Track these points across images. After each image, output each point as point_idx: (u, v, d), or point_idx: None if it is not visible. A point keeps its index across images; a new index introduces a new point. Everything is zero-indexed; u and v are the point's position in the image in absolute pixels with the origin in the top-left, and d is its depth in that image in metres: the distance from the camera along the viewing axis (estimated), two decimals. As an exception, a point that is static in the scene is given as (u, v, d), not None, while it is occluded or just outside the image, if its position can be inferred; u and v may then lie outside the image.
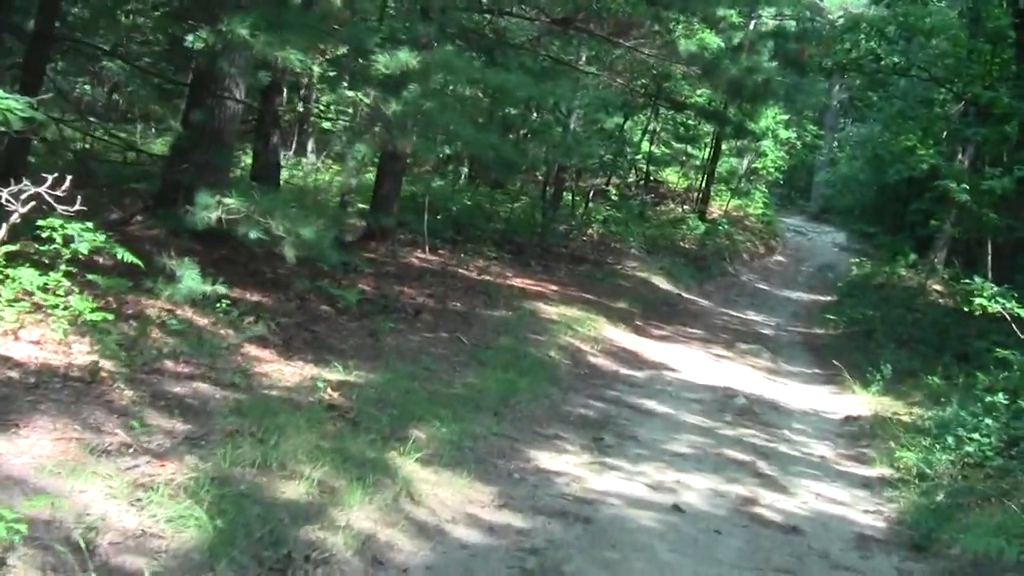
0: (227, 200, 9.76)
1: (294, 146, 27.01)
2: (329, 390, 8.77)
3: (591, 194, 28.51)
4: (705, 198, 32.28)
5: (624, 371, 13.51)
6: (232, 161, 13.63)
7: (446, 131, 11.92)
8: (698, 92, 25.63)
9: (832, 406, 13.49)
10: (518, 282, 18.14)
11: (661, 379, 13.44)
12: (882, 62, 24.63)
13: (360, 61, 11.16)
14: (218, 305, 10.08)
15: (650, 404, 11.79)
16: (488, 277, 17.67)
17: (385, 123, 11.06)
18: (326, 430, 7.80)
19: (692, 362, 15.12)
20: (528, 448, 9.09)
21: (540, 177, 27.14)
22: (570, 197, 27.98)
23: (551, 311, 15.63)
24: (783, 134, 34.41)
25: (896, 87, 27.47)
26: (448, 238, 21.02)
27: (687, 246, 28.25)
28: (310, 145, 28.16)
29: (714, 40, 17.36)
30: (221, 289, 9.90)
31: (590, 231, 26.40)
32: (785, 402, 13.28)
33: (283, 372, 9.34)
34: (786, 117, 34.97)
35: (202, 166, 12.59)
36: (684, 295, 22.66)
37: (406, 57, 10.47)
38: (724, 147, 32.66)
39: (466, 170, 27.50)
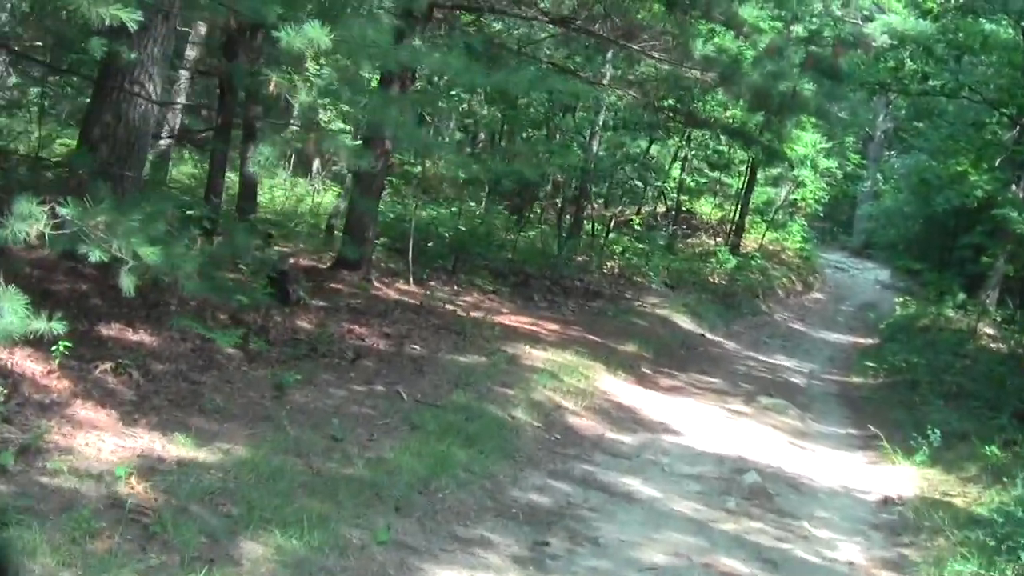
0: (62, 210, 7.04)
1: (290, 165, 24.41)
2: (132, 480, 5.97)
3: (612, 223, 25.64)
4: (739, 230, 29.30)
5: (610, 435, 10.63)
6: (143, 170, 10.90)
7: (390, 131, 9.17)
8: (727, 113, 22.72)
9: (867, 482, 10.58)
10: (511, 320, 15.35)
11: (656, 446, 10.55)
12: (929, 82, 21.74)
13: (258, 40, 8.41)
14: (53, 349, 7.38)
15: (632, 484, 8.92)
16: (476, 313, 14.88)
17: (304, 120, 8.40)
18: (98, 548, 5.04)
19: (701, 421, 12.22)
20: (429, 565, 6.25)
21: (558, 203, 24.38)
22: (590, 226, 25.20)
23: (537, 356, 12.81)
24: (823, 163, 31.31)
25: (944, 110, 24.56)
26: (443, 268, 18.32)
27: (716, 281, 25.25)
28: (314, 166, 25.59)
29: (734, 43, 14.48)
30: (58, 327, 7.14)
31: (610, 263, 23.55)
32: (809, 477, 10.36)
33: (100, 446, 6.60)
34: (826, 145, 31.98)
35: (103, 175, 9.95)
36: (707, 336, 19.69)
37: (316, 33, 7.72)
38: (759, 176, 29.68)
39: (484, 195, 24.73)
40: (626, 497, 8.50)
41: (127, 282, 6.86)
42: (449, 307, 14.61)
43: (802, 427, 13.13)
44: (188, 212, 9.42)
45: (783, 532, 8.32)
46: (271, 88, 8.27)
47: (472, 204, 23.97)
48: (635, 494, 8.64)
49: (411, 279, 16.11)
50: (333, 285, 14.27)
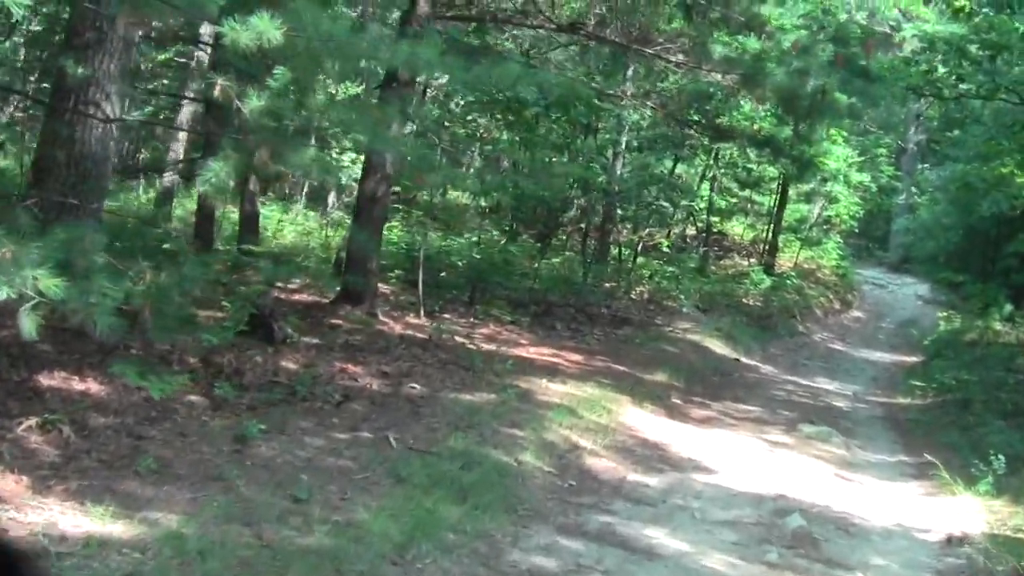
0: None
1: (303, 196, 23.21)
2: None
3: (640, 247, 24.22)
4: (772, 249, 27.81)
5: (633, 477, 9.22)
6: (102, 198, 9.64)
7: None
8: (755, 126, 21.25)
9: (926, 518, 9.13)
10: (529, 351, 14.02)
11: (685, 488, 9.13)
12: (963, 85, 20.25)
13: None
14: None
15: (655, 537, 7.51)
16: (490, 346, 13.57)
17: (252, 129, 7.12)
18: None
19: (737, 456, 10.79)
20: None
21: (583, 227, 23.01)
22: (617, 251, 23.80)
23: (555, 390, 11.45)
24: (855, 177, 29.77)
25: (980, 115, 23.06)
26: (460, 299, 17.01)
27: (750, 303, 23.74)
28: (331, 199, 24.41)
29: (755, 44, 13.12)
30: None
31: (639, 288, 22.13)
32: (860, 516, 8.91)
33: (-10, 527, 5.29)
34: (860, 159, 30.48)
35: (53, 203, 8.77)
36: (742, 360, 18.22)
37: (264, 26, 6.46)
38: (791, 192, 28.21)
39: (508, 223, 23.42)
40: (648, 553, 7.10)
41: (28, 323, 5.58)
42: (460, 340, 13.28)
43: (848, 456, 11.68)
44: (131, 243, 8.12)
45: (834, 588, 6.93)
46: (216, 92, 6.99)
47: (495, 233, 22.72)
48: (659, 549, 7.23)
49: (422, 312, 14.79)
50: (333, 321, 12.99)
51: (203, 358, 9.08)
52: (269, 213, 21.49)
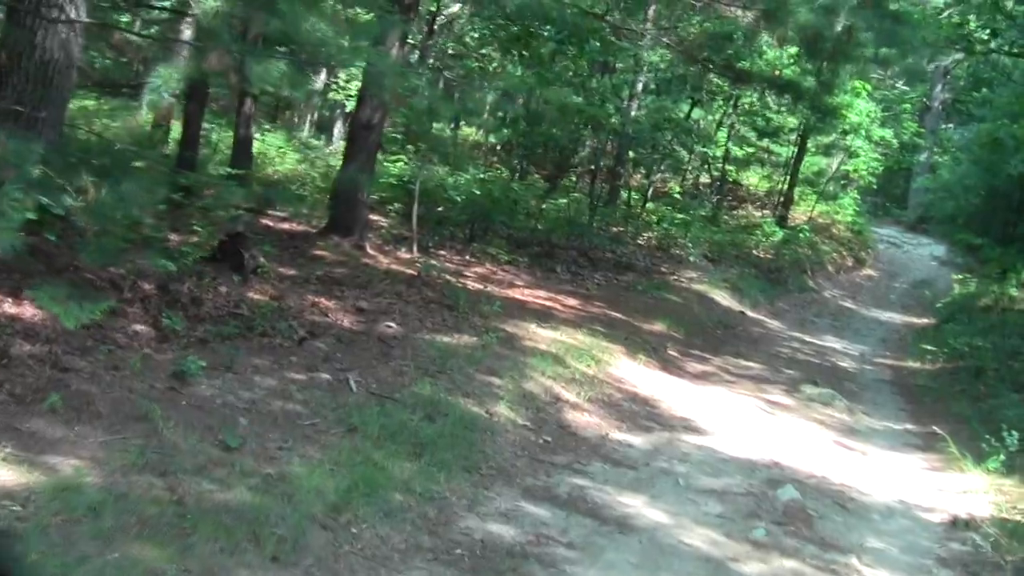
0: None
1: (309, 125, 22.32)
2: None
3: (651, 192, 23.30)
4: (787, 202, 26.83)
5: (616, 435, 8.45)
6: (64, 109, 8.80)
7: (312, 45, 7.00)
8: (776, 73, 20.19)
9: (930, 495, 8.35)
10: (524, 293, 13.23)
11: (672, 450, 8.36)
12: (996, 40, 19.25)
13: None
14: None
15: (632, 505, 6.74)
16: (481, 286, 12.79)
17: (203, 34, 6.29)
18: None
19: (732, 416, 10.02)
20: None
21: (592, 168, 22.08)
22: (627, 195, 22.89)
23: (543, 336, 10.66)
24: (877, 133, 28.69)
25: (1011, 72, 22.05)
26: (457, 236, 16.20)
27: (761, 255, 22.83)
28: (336, 129, 23.50)
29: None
30: None
31: (647, 234, 21.24)
32: (859, 490, 8.13)
33: None
34: (882, 113, 29.39)
35: (8, 112, 7.96)
36: (748, 314, 17.40)
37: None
38: (810, 144, 27.18)
39: (518, 162, 22.52)
40: (621, 524, 6.33)
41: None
42: (450, 278, 12.48)
43: (851, 422, 10.88)
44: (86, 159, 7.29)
45: (825, 572, 6.15)
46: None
47: (504, 171, 21.87)
48: (634, 519, 6.46)
49: (415, 247, 13.99)
50: (316, 252, 12.21)
51: (160, 285, 8.29)
52: (273, 140, 20.69)
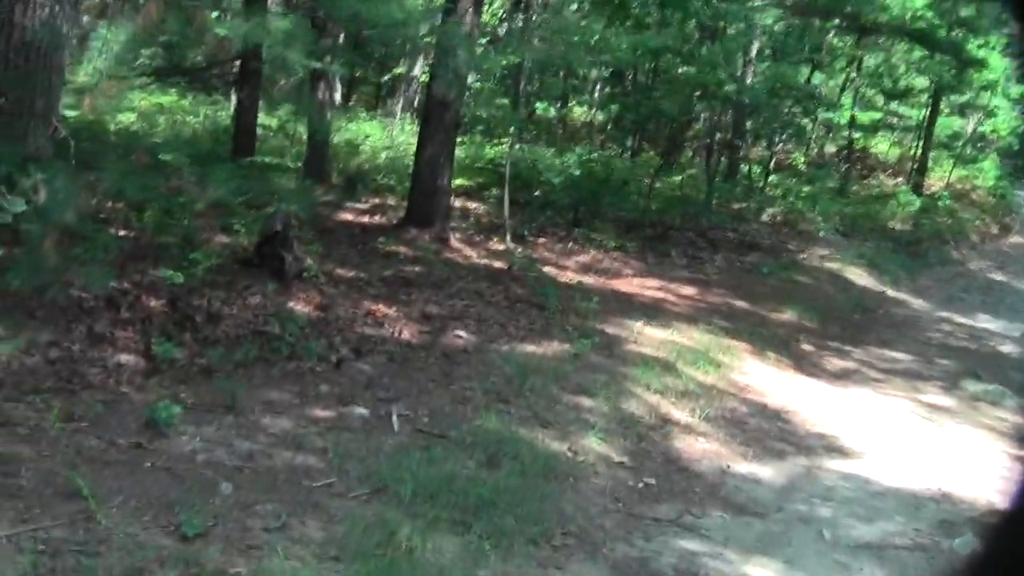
0: None
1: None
2: None
3: (772, 164, 21.13)
4: (921, 168, 24.37)
5: (740, 467, 6.52)
6: (55, 96, 7.20)
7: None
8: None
9: None
10: (632, 284, 11.40)
11: (813, 483, 6.42)
12: None
13: None
14: None
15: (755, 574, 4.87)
16: (582, 277, 10.96)
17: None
18: None
19: (883, 427, 8.01)
20: None
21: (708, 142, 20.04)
22: (746, 169, 20.80)
23: (651, 337, 8.80)
24: (1017, 89, 25.98)
25: None
26: (559, 222, 14.37)
27: (897, 227, 20.51)
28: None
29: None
30: None
31: (771, 210, 19.12)
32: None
33: None
34: (1017, 69, 26.65)
35: None
36: (889, 294, 15.22)
37: None
38: (943, 105, 24.64)
39: (629, 139, 20.65)
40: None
41: None
42: (547, 270, 10.67)
43: (1029, 426, 8.78)
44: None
45: None
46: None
47: (615, 149, 20.06)
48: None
49: (508, 237, 12.20)
50: (391, 248, 10.49)
51: (170, 300, 6.64)
52: (364, 128, 19.10)
